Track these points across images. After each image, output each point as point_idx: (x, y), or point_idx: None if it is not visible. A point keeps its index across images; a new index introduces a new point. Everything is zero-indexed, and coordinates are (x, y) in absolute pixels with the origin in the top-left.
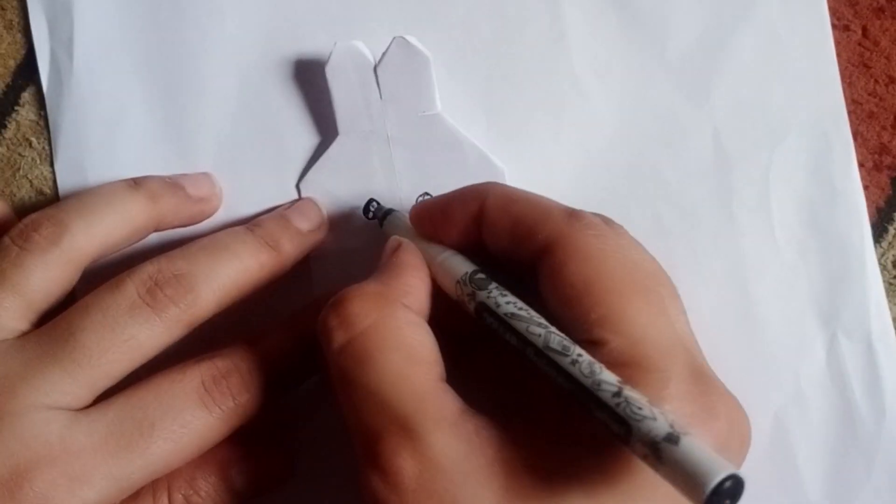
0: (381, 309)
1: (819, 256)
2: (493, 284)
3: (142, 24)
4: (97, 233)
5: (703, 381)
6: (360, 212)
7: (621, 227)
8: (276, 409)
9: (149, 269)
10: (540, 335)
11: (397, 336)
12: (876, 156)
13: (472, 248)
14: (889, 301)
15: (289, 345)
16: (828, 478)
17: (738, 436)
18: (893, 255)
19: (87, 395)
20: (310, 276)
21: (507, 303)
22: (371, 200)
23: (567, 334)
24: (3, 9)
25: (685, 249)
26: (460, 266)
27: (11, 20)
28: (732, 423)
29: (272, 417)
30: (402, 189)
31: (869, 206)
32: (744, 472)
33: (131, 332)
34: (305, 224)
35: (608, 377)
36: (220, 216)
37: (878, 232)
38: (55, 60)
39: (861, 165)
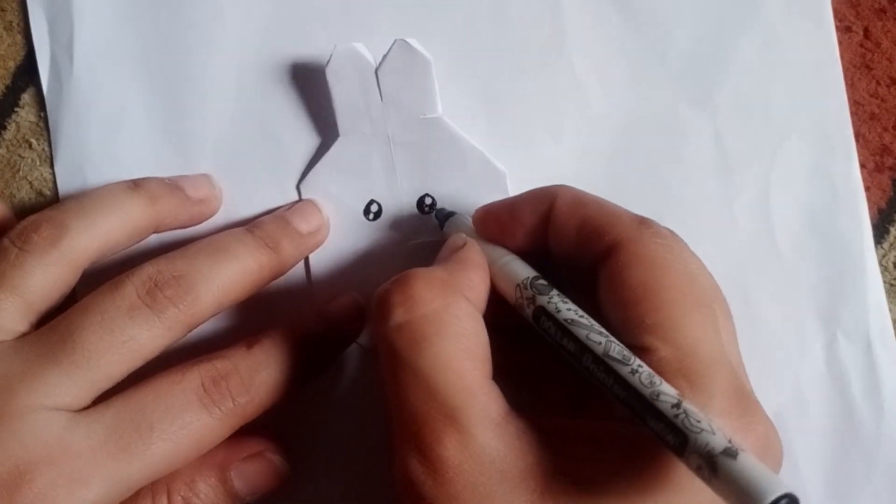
0: (446, 297)
1: (819, 257)
2: (554, 291)
3: (142, 26)
4: (97, 234)
5: (745, 400)
6: (361, 213)
7: (684, 241)
8: (276, 411)
9: (148, 271)
10: (600, 343)
11: (457, 326)
12: (877, 157)
13: (535, 252)
14: (889, 302)
15: (288, 347)
16: (828, 478)
17: (772, 458)
18: (895, 257)
19: (87, 396)
20: (308, 277)
21: (568, 309)
22: (371, 202)
23: (618, 337)
24: (3, 10)
25: None
26: (522, 270)
27: (11, 21)
28: (769, 445)
29: (271, 419)
30: (402, 191)
31: (870, 208)
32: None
33: (131, 333)
34: (305, 226)
35: (668, 389)
36: (219, 217)
37: (880, 233)
38: (55, 62)
39: (862, 167)
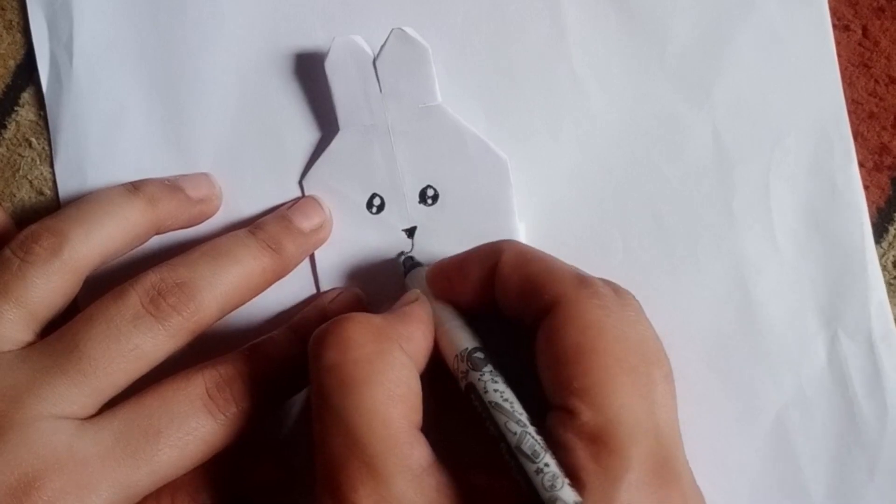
0: (380, 343)
1: (820, 256)
2: (489, 367)
3: (141, 24)
4: (97, 241)
5: (665, 472)
6: (364, 207)
7: (632, 298)
8: (278, 420)
9: (151, 279)
10: (515, 433)
11: (386, 373)
12: (876, 156)
13: (486, 306)
14: (890, 301)
15: (291, 350)
16: (830, 478)
17: None
18: (894, 256)
19: (94, 404)
20: (314, 273)
21: (496, 391)
22: (374, 195)
23: (548, 396)
24: (2, 9)
25: (685, 249)
26: (463, 340)
27: (11, 20)
28: None
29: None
30: (404, 182)
31: (869, 207)
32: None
33: (136, 342)
34: (307, 224)
35: (566, 495)
36: (221, 215)
37: (879, 232)
38: (55, 61)
39: (861, 166)
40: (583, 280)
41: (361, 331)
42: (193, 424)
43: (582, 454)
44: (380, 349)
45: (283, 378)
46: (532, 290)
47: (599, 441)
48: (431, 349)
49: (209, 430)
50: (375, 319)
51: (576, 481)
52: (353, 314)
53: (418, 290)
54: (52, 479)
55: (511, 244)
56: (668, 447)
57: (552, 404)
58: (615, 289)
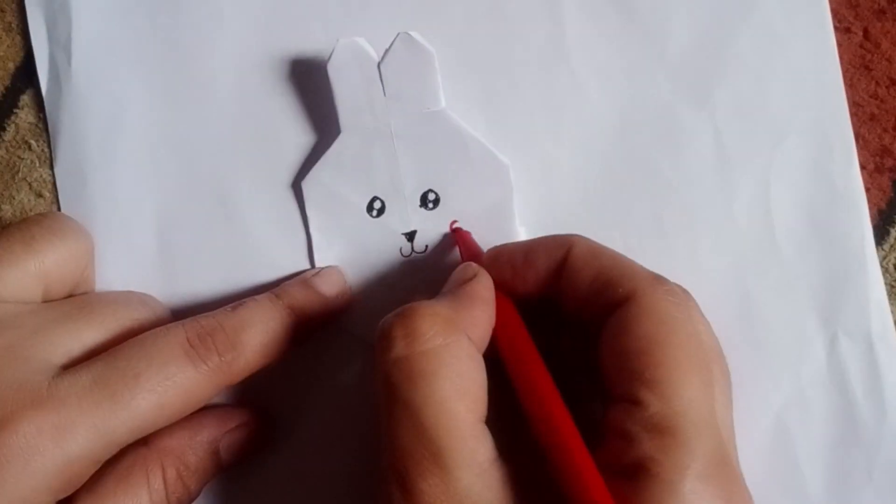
0: (449, 335)
1: (819, 256)
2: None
3: (140, 26)
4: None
5: (725, 468)
6: (364, 210)
7: (694, 301)
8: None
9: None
10: None
11: (455, 366)
12: (877, 158)
13: (542, 295)
14: (890, 303)
15: (274, 312)
16: (829, 478)
17: None
18: (895, 258)
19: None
20: None
21: None
22: (374, 198)
23: (611, 388)
24: (1, 11)
25: (685, 249)
26: None
27: (10, 22)
28: None
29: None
30: (405, 186)
31: (870, 209)
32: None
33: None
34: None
35: None
36: (220, 216)
37: (880, 234)
38: (54, 63)
39: (862, 168)
40: (657, 277)
41: (428, 322)
42: (173, 370)
43: (648, 444)
44: (447, 342)
45: (265, 335)
46: (605, 283)
47: (666, 432)
48: (493, 326)
49: (189, 376)
50: (441, 309)
51: (642, 471)
52: (418, 304)
53: (475, 265)
54: (29, 418)
55: (580, 238)
56: (726, 445)
57: (615, 395)
58: (683, 290)
